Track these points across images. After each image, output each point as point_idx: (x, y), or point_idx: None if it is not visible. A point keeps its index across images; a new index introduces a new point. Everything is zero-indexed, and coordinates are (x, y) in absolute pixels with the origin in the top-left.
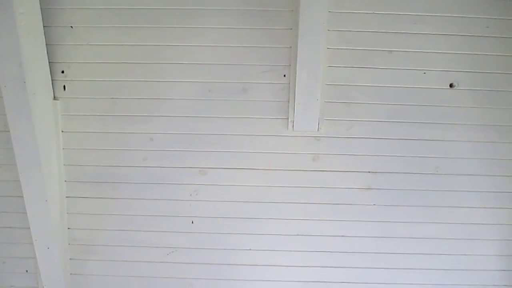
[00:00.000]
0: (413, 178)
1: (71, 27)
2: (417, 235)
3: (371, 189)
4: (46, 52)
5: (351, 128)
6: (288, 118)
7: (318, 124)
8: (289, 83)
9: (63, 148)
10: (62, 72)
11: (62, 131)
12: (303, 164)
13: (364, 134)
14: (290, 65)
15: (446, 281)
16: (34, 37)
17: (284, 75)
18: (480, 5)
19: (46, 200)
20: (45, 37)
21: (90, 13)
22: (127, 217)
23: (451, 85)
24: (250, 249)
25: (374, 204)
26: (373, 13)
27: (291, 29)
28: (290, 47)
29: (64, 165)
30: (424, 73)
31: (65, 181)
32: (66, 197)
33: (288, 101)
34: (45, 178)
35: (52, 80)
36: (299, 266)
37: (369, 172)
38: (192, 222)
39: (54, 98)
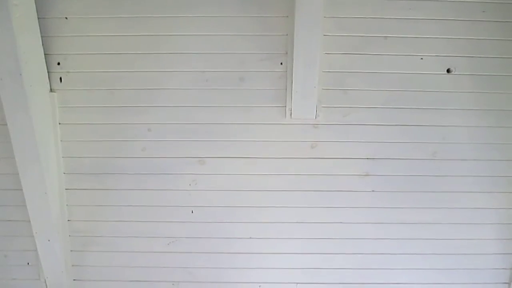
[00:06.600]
0: (411, 164)
1: (66, 18)
2: (415, 220)
3: (369, 175)
4: (41, 44)
5: (349, 115)
6: (285, 106)
7: (316, 111)
8: (286, 71)
9: (61, 141)
10: (58, 64)
11: (59, 123)
12: (301, 152)
13: (361, 121)
14: (286, 53)
15: (444, 266)
16: (29, 29)
17: (281, 63)
18: None
19: (45, 193)
20: (40, 29)
21: (85, 4)
22: (126, 208)
23: (448, 70)
24: (250, 238)
25: (372, 190)
26: None
27: (287, 16)
28: (287, 34)
29: (63, 157)
30: (421, 58)
31: (64, 173)
32: (66, 189)
33: (286, 89)
34: (44, 171)
35: (48, 72)
36: (299, 253)
37: (367, 158)
38: (192, 212)
39: (51, 90)
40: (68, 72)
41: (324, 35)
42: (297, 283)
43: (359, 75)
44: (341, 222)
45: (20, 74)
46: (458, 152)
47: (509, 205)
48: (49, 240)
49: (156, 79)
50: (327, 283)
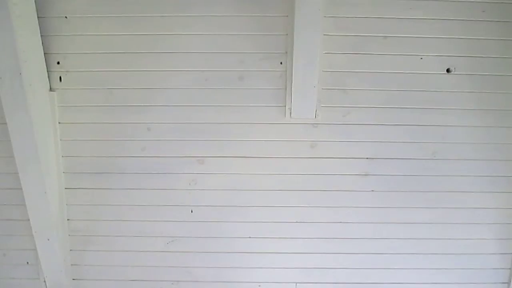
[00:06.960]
0: (410, 164)
1: (66, 17)
2: (415, 220)
3: (369, 175)
4: (41, 43)
5: (348, 115)
6: (285, 106)
7: (316, 111)
8: (286, 71)
9: (60, 140)
10: (58, 63)
11: (59, 123)
12: (301, 152)
13: (361, 121)
14: (286, 53)
15: (443, 265)
16: (29, 28)
17: (281, 63)
18: None
19: (45, 192)
20: (40, 28)
21: (85, 3)
22: (126, 207)
23: (448, 70)
24: (250, 237)
25: (372, 190)
26: None
27: (287, 16)
28: (286, 34)
29: (62, 156)
30: (421, 58)
31: (64, 172)
32: (65, 188)
33: (285, 89)
34: (44, 170)
35: (48, 71)
36: (299, 253)
37: (366, 158)
38: (191, 211)
39: (51, 89)
40: (68, 71)
41: (324, 35)
42: (296, 282)
43: (359, 74)
44: (341, 222)
45: (20, 73)
46: (458, 152)
47: (508, 205)
48: (48, 239)
49: (156, 79)
50: (327, 282)
